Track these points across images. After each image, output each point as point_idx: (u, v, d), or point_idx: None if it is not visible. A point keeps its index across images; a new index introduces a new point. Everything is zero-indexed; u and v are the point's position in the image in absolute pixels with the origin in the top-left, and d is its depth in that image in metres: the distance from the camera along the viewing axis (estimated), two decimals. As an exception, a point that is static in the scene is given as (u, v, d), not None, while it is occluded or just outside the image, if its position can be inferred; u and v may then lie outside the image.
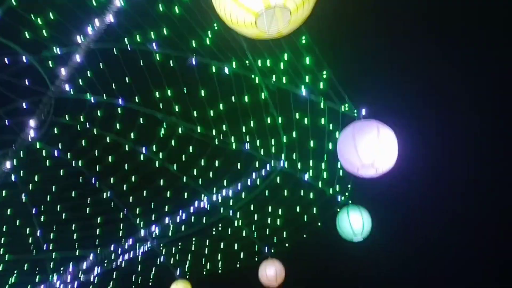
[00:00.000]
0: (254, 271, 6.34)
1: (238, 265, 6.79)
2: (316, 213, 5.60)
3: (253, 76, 3.93)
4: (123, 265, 6.89)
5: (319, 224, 5.71)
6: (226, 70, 3.98)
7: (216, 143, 5.24)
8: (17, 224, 6.91)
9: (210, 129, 5.10)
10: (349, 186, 5.04)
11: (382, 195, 5.79)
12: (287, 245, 6.20)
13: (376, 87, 4.49)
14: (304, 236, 5.94)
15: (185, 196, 6.17)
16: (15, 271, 7.52)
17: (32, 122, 2.59)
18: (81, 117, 5.49)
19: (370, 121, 3.12)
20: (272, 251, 6.34)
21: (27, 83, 5.11)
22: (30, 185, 6.44)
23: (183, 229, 6.68)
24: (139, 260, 7.15)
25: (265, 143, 4.98)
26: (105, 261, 6.27)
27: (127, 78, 4.77)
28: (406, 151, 3.23)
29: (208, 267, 7.09)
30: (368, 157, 2.97)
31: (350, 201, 5.09)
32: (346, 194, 5.20)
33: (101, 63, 4.65)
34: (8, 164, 2.82)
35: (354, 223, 4.85)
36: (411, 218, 6.35)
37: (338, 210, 5.04)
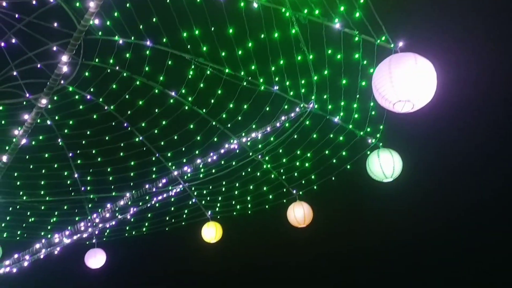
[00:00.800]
0: (283, 212, 6.50)
1: (267, 207, 6.95)
2: (346, 156, 5.56)
3: (283, 9, 3.77)
4: (156, 205, 7.17)
5: (348, 167, 5.69)
6: (255, 4, 3.83)
7: (245, 84, 5.19)
8: (56, 167, 7.25)
9: (239, 70, 5.04)
10: (380, 127, 4.94)
11: (414, 137, 5.69)
12: (315, 187, 6.26)
13: (413, 19, 4.24)
14: (333, 179, 5.95)
15: (215, 139, 6.25)
16: (56, 212, 7.98)
17: (63, 64, 2.59)
18: (111, 60, 5.52)
19: (407, 53, 2.97)
20: (300, 193, 6.45)
21: (55, 25, 5.13)
22: (66, 129, 6.67)
23: (213, 172, 6.84)
24: (172, 201, 7.43)
25: (295, 84, 4.89)
26: (140, 203, 6.51)
27: (154, 18, 4.70)
28: (442, 88, 3.09)
29: (238, 209, 7.29)
30: (404, 91, 2.86)
31: (381, 144, 5.03)
32: (378, 135, 5.12)
33: (128, 3, 4.58)
34: (43, 101, 2.87)
35: (385, 165, 4.82)
36: (442, 159, 6.24)
37: (369, 152, 5.00)
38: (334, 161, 5.64)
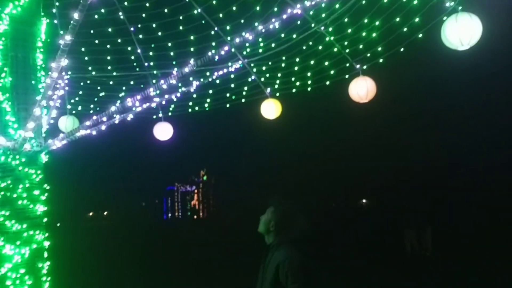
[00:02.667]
0: (345, 88, 6.36)
1: (328, 83, 6.81)
2: (419, 23, 5.13)
3: None
4: (217, 82, 7.28)
5: (420, 35, 5.27)
6: None
7: None
8: (119, 42, 7.43)
9: None
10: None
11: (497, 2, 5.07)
12: (381, 60, 5.95)
13: None
14: (402, 50, 5.59)
15: (275, 10, 5.97)
16: (123, 87, 8.40)
17: None
18: None
19: None
20: (364, 67, 6.20)
21: None
22: (126, 1, 6.64)
23: (273, 46, 6.69)
24: (231, 78, 7.49)
25: None
26: (201, 79, 6.61)
27: None
28: None
29: (297, 85, 7.22)
30: None
31: (460, 7, 4.55)
32: (456, -1, 4.60)
33: None
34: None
35: (462, 31, 4.42)
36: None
37: (445, 18, 4.57)
38: (405, 29, 5.23)
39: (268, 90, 7.53)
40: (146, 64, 7.73)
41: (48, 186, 4.43)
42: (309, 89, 7.14)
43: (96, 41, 7.25)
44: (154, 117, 8.50)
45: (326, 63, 6.47)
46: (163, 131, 8.30)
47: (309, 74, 6.85)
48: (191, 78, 6.88)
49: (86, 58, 7.48)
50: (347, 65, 6.31)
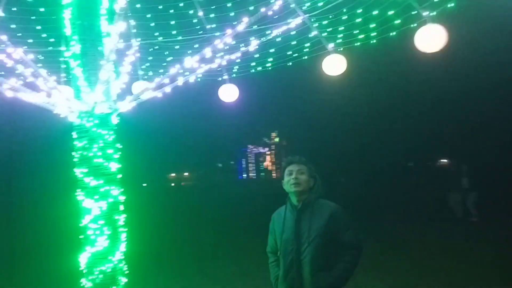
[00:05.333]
0: (410, 38, 5.96)
1: (392, 33, 6.42)
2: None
3: None
4: (277, 40, 7.18)
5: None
6: None
7: None
8: (181, 6, 7.59)
9: None
10: None
11: None
12: (451, 5, 5.46)
13: None
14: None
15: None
16: (189, 51, 8.62)
17: None
18: None
19: None
20: (433, 14, 5.73)
21: None
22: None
23: (334, -1, 6.40)
24: (292, 35, 7.34)
25: None
26: (261, 38, 6.57)
27: None
28: None
29: (361, 38, 6.91)
30: None
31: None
32: None
33: None
34: None
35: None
36: None
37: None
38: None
39: (330, 45, 7.29)
40: (208, 26, 7.85)
41: (120, 145, 4.81)
42: (373, 41, 6.80)
43: (160, 7, 7.47)
44: (220, 79, 8.69)
45: (391, 12, 6.08)
46: (228, 93, 8.47)
47: (373, 25, 6.50)
48: (251, 38, 6.89)
49: (152, 24, 7.78)
50: (414, 13, 5.88)
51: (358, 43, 6.99)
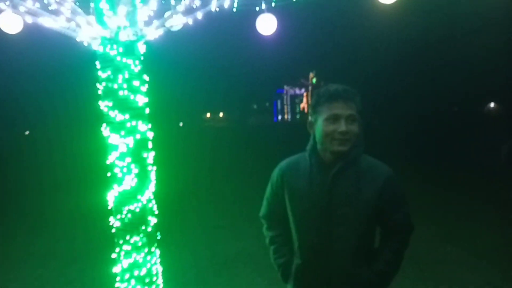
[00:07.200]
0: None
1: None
2: None
3: None
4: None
5: None
6: None
7: None
8: None
9: None
10: None
11: None
12: None
13: None
14: None
15: None
16: None
17: None
18: None
19: None
20: None
21: None
22: None
23: None
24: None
25: None
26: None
27: None
28: None
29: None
30: None
31: None
32: None
33: None
34: None
35: None
36: None
37: None
38: None
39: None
40: None
41: (147, 77, 4.37)
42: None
43: None
44: (257, 8, 7.95)
45: None
46: (266, 24, 7.75)
47: None
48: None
49: None
50: None
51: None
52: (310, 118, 2.64)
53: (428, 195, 12.35)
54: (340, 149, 2.42)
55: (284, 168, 2.72)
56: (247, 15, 8.18)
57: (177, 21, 4.61)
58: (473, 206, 10.92)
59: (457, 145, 25.57)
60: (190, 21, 4.79)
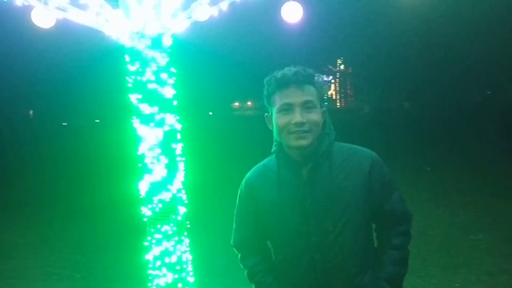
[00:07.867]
0: None
1: None
2: None
3: None
4: None
5: None
6: None
7: None
8: None
9: None
10: None
11: None
12: None
13: None
14: None
15: None
16: None
17: None
18: None
19: None
20: None
21: None
22: None
23: None
24: None
25: None
26: None
27: None
28: None
29: None
30: None
31: None
32: None
33: None
34: None
35: None
36: None
37: None
38: None
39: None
40: None
41: (175, 69, 4.44)
42: None
43: None
44: (282, -4, 7.88)
45: None
46: (291, 11, 7.67)
47: None
48: None
49: None
50: None
51: None
52: (267, 112, 2.25)
53: (460, 181, 12.06)
54: (299, 143, 2.02)
55: (251, 178, 2.30)
56: (272, 3, 8.15)
57: (202, 13, 4.64)
58: (507, 194, 10.58)
59: (494, 130, 24.73)
60: (215, 11, 4.82)
